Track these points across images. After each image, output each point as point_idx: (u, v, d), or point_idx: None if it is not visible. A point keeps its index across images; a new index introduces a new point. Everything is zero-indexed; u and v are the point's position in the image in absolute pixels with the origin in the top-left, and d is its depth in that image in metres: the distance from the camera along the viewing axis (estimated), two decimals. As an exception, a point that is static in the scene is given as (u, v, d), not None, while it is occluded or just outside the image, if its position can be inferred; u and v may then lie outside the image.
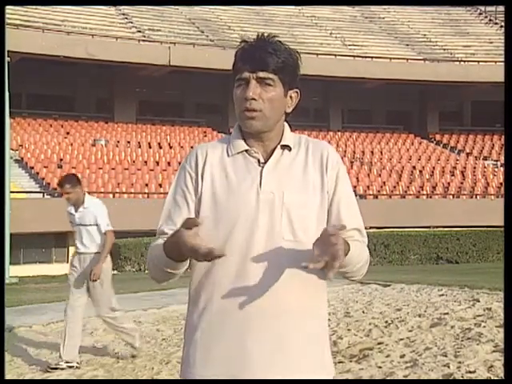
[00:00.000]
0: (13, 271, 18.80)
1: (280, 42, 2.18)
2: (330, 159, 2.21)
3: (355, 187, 32.07)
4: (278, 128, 2.21)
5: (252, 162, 2.19)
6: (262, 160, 2.19)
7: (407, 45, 41.77)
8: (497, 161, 36.75)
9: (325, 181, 2.19)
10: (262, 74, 2.13)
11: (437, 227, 27.61)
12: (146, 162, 31.49)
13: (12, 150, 26.39)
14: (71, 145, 31.68)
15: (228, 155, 2.20)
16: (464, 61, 39.45)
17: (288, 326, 2.13)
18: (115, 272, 23.06)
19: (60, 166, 29.32)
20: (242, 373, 2.10)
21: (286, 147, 2.21)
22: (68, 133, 33.52)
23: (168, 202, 2.23)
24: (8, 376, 6.03)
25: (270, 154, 2.20)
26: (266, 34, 2.19)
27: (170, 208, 2.21)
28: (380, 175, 33.77)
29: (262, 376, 2.10)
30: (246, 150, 2.19)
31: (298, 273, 2.12)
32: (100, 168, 30.00)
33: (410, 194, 32.65)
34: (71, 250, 27.56)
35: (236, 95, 2.17)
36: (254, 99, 2.13)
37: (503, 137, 34.41)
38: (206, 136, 35.60)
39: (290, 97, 2.22)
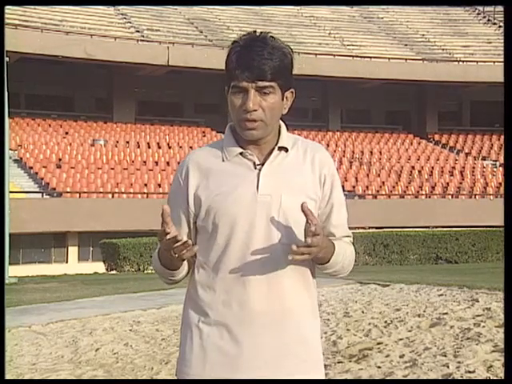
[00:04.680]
0: (12, 271, 18.75)
1: (273, 37, 2.11)
2: (327, 164, 2.20)
3: (354, 187, 32.10)
4: (275, 130, 2.17)
5: (248, 165, 2.14)
6: (257, 162, 2.14)
7: (406, 45, 41.78)
8: (496, 161, 36.77)
9: (321, 184, 2.18)
10: (261, 84, 2.07)
11: (436, 227, 27.62)
12: (144, 161, 31.49)
13: (11, 149, 26.39)
14: (70, 145, 31.68)
15: (223, 160, 2.16)
16: (463, 61, 39.46)
17: (288, 328, 2.13)
18: (114, 272, 23.08)
19: (59, 166, 29.33)
20: (241, 374, 2.10)
21: (282, 149, 2.17)
22: (67, 133, 33.52)
23: None
24: (8, 376, 6.02)
25: (267, 156, 2.16)
26: (258, 33, 2.12)
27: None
28: (379, 175, 33.77)
29: (261, 377, 2.10)
30: (241, 153, 2.15)
31: (296, 275, 2.15)
32: (99, 168, 30.00)
33: (409, 194, 32.66)
34: (70, 249, 27.70)
35: (233, 103, 2.12)
36: (254, 110, 2.08)
37: (502, 137, 34.45)
38: (204, 136, 35.59)
39: (286, 97, 2.15)
